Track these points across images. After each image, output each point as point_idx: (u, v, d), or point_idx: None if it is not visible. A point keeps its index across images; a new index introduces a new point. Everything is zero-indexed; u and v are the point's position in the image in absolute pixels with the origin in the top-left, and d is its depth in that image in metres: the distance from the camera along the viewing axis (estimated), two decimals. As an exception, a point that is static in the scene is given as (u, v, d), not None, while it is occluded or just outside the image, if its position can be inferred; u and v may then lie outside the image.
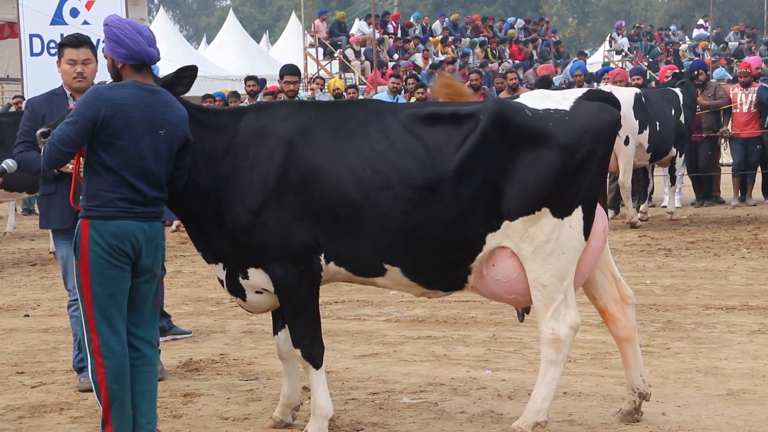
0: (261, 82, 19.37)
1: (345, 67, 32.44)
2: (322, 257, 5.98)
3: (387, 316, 9.96)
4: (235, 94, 20.80)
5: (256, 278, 6.09)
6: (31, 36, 14.85)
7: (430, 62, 31.33)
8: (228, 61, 38.53)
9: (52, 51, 14.82)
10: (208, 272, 12.97)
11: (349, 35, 33.77)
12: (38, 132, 5.76)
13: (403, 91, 24.48)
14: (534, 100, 6.11)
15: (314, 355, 6.15)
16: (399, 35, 34.54)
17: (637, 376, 6.38)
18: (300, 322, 6.09)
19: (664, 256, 13.12)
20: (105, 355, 5.57)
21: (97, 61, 7.47)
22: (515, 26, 38.40)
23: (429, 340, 8.89)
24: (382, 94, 21.17)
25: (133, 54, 5.62)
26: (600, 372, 7.62)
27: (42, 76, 15.40)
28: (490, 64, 32.61)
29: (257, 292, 6.16)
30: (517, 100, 6.13)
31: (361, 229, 5.88)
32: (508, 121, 5.89)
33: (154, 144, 5.58)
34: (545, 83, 19.91)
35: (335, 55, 33.00)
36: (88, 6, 15.20)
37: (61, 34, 14.95)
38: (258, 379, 7.73)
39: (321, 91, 22.67)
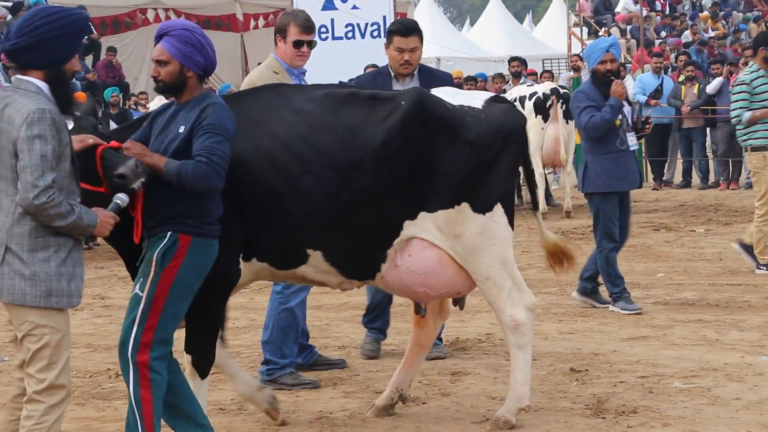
0: (523, 63, 19.29)
1: (610, 46, 31.81)
2: (241, 260, 5.84)
3: (655, 299, 9.74)
4: (499, 76, 20.81)
5: None
6: (303, 21, 15.35)
7: (699, 39, 30.35)
8: (491, 42, 38.54)
9: (323, 36, 15.24)
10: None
11: (615, 13, 33.12)
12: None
13: (670, 70, 23.85)
14: (446, 95, 6.12)
15: (204, 365, 5.84)
16: (666, 12, 33.62)
17: (407, 380, 6.53)
18: (200, 328, 5.78)
19: None
20: (156, 371, 5.38)
21: (422, 44, 7.58)
22: (792, -2, 36.65)
23: (700, 323, 8.64)
24: (647, 74, 20.70)
25: (209, 65, 5.49)
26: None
27: (314, 62, 15.84)
28: (764, 39, 31.23)
29: None
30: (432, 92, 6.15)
31: (284, 213, 5.78)
32: (429, 110, 5.93)
33: None
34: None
35: (600, 33, 32.46)
36: (358, -10, 15.57)
37: (332, 19, 15.43)
38: (524, 360, 7.71)
39: (585, 69, 22.34)
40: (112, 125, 19.97)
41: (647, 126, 9.57)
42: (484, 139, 5.99)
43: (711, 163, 19.84)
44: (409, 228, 5.95)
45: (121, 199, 5.18)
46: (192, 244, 5.36)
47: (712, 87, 19.32)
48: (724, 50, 28.87)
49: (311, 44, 7.22)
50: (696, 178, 19.72)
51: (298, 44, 7.16)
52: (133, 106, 20.84)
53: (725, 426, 6.04)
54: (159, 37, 5.49)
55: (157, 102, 18.43)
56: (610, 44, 9.37)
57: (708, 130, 20.00)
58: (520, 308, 6.09)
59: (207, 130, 5.31)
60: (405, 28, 7.51)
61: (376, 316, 8.01)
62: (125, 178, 5.16)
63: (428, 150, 5.92)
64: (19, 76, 4.89)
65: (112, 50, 23.75)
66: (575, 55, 24.99)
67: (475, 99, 6.22)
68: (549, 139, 15.83)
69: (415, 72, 7.57)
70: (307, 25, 7.19)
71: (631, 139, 9.30)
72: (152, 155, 5.34)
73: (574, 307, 9.51)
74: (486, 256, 6.02)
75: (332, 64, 15.75)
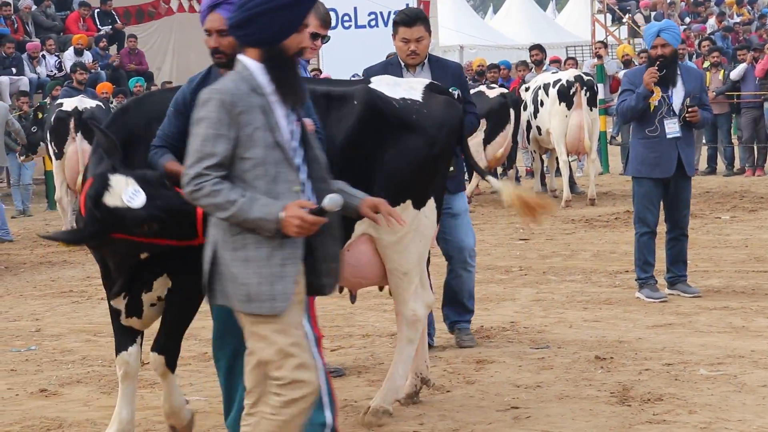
0: (543, 51, 19.17)
1: (634, 33, 31.70)
2: None
3: (681, 286, 9.69)
4: (523, 63, 20.74)
5: (159, 287, 5.73)
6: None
7: (724, 25, 30.16)
8: (514, 30, 38.42)
9: (347, 24, 15.23)
10: (496, 241, 13.06)
11: (639, -1, 32.98)
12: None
13: (695, 56, 23.73)
14: (386, 86, 6.09)
15: (175, 362, 5.95)
16: (691, -3, 33.43)
17: (422, 362, 6.50)
18: (181, 331, 5.90)
19: None
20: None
21: (429, 33, 7.56)
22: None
23: (726, 311, 8.60)
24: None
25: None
26: None
27: (337, 50, 15.83)
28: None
29: (152, 304, 5.80)
30: (371, 85, 6.09)
31: None
32: (380, 111, 5.91)
33: None
34: None
35: (624, 20, 32.32)
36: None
37: (355, 8, 15.42)
38: (549, 348, 7.70)
39: (608, 56, 22.25)
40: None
41: (690, 113, 9.25)
42: (429, 136, 6.05)
43: (736, 149, 19.72)
44: (360, 227, 5.99)
45: (334, 201, 4.36)
46: None
47: (736, 73, 19.20)
48: (749, 36, 28.67)
49: (325, 39, 7.23)
50: (721, 165, 19.62)
51: (314, 37, 7.16)
52: (158, 96, 20.86)
53: (752, 413, 6.01)
54: (212, 6, 5.15)
55: None
56: (659, 29, 9.20)
57: (733, 116, 19.87)
58: (421, 304, 6.20)
59: None
60: (409, 18, 7.46)
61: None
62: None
63: (380, 150, 5.96)
64: (238, 56, 4.50)
65: (132, 37, 23.83)
66: (599, 41, 24.92)
67: (415, 89, 6.20)
68: (573, 126, 15.77)
69: (425, 62, 7.55)
70: (326, 20, 7.20)
71: (671, 126, 9.09)
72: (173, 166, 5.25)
73: (598, 294, 9.49)
74: (412, 251, 6.11)
75: (356, 52, 15.75)
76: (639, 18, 31.55)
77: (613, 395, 6.46)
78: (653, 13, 31.40)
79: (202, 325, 8.98)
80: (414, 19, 7.45)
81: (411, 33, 7.41)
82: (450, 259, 7.81)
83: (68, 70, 21.01)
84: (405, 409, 6.38)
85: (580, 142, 15.65)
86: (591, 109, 15.92)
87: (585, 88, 15.76)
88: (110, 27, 24.01)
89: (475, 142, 14.45)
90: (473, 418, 6.19)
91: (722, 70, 19.48)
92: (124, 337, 5.92)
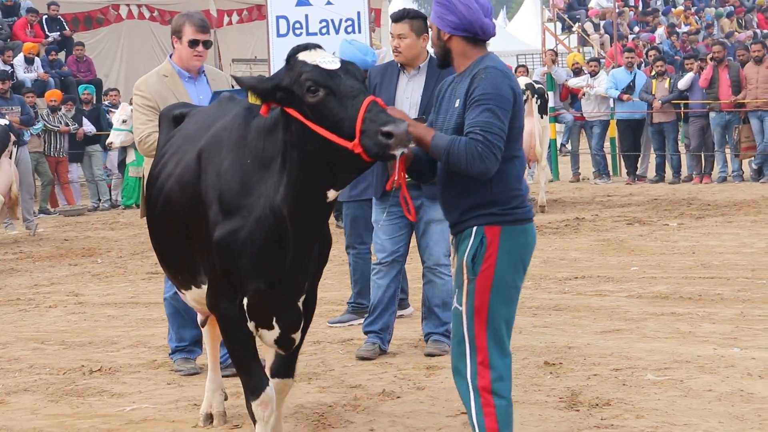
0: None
1: (584, 41, 31.98)
2: None
3: (629, 292, 9.78)
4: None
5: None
6: (277, 17, 15.30)
7: (670, 32, 30.50)
8: (465, 38, 38.50)
9: (297, 32, 15.23)
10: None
11: (588, 8, 33.24)
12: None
13: (643, 65, 23.96)
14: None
15: None
16: (640, 7, 33.76)
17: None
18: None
19: None
20: (498, 393, 4.66)
21: (421, 34, 7.44)
22: (764, -6, 36.87)
23: (673, 316, 8.68)
24: (620, 68, 20.77)
25: (465, 24, 4.73)
26: None
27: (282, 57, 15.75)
28: (736, 34, 31.44)
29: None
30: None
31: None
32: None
33: None
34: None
35: (574, 29, 32.57)
36: (333, -13, 15.55)
37: (306, 15, 15.40)
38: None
39: (556, 65, 22.39)
40: (86, 123, 19.95)
41: None
42: None
43: (683, 157, 19.94)
44: None
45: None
46: (503, 235, 4.61)
47: (683, 82, 19.42)
48: (697, 45, 29.01)
49: (207, 44, 7.28)
50: (669, 173, 19.83)
51: (193, 43, 7.22)
52: (106, 104, 20.76)
53: (698, 417, 6.08)
54: None
55: (123, 107, 18.38)
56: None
57: (680, 124, 20.10)
58: None
59: (479, 101, 4.54)
60: (396, 14, 7.56)
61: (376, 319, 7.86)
62: (391, 137, 4.34)
63: None
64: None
65: (80, 45, 23.66)
66: (549, 50, 25.07)
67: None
68: (524, 134, 15.86)
69: (423, 65, 7.55)
70: (202, 25, 7.27)
71: None
72: (417, 125, 4.63)
73: (548, 300, 9.55)
74: None
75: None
76: (589, 26, 31.81)
77: (562, 400, 6.50)
78: (602, 22, 31.70)
79: (151, 332, 8.96)
80: (401, 16, 7.52)
81: (395, 29, 7.49)
82: (423, 265, 7.83)
83: (18, 79, 20.85)
84: (355, 415, 6.39)
85: (531, 149, 15.74)
86: (542, 117, 16.04)
87: (536, 95, 15.85)
88: (59, 33, 23.81)
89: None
90: (423, 424, 6.20)
91: (668, 79, 19.70)
92: (258, 368, 5.27)
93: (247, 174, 4.92)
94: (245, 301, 5.07)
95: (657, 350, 7.63)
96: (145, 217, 6.08)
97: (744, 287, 9.67)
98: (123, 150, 19.31)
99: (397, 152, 4.37)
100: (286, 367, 5.46)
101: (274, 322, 5.14)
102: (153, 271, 11.80)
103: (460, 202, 4.64)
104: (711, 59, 19.35)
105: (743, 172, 19.48)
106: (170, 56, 7.35)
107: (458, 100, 4.63)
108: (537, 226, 15.28)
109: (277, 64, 18.67)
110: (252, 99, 4.68)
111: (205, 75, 7.36)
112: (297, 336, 5.25)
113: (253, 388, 5.17)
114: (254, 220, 4.89)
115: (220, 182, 5.01)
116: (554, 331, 8.36)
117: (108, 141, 18.42)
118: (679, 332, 8.15)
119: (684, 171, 19.73)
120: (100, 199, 20.12)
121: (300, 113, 4.57)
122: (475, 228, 4.61)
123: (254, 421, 5.25)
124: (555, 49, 26.18)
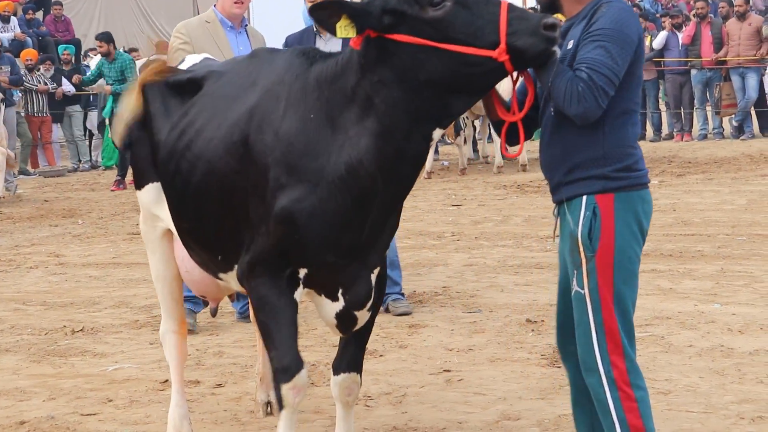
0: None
1: None
2: None
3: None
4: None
5: None
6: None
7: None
8: None
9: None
10: (429, 206, 13.12)
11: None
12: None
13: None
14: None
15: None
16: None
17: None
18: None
19: None
20: (637, 384, 4.08)
21: None
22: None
23: (654, 273, 8.71)
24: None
25: None
26: None
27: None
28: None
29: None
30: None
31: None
32: None
33: None
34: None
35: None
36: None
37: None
38: (481, 312, 7.76)
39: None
40: (65, 83, 19.82)
41: None
42: None
43: (663, 115, 19.95)
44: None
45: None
46: (617, 204, 4.03)
47: (657, 41, 19.41)
48: (678, 2, 28.93)
49: None
50: (650, 131, 19.84)
51: None
52: (86, 65, 20.63)
53: (678, 373, 6.11)
54: None
55: (95, 60, 18.18)
56: None
57: (660, 82, 20.11)
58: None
59: (594, 36, 3.94)
60: None
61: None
62: (555, 30, 3.79)
63: None
64: None
65: (58, 4, 23.46)
66: (531, 7, 25.02)
67: None
68: (503, 92, 15.82)
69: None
70: None
71: None
72: None
73: (530, 258, 9.57)
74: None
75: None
76: None
77: (544, 357, 6.53)
78: None
79: (133, 293, 8.95)
80: None
81: None
82: None
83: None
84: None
85: (511, 107, 15.71)
86: (522, 75, 15.99)
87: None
88: (36, -8, 23.60)
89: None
90: (406, 382, 6.22)
91: (649, 36, 19.68)
92: (295, 346, 4.46)
93: (312, 132, 4.21)
94: (303, 271, 4.39)
95: (638, 306, 7.48)
96: (139, 190, 5.18)
97: (724, 244, 9.71)
98: (103, 111, 19.21)
99: (558, 50, 3.88)
100: (353, 360, 4.72)
101: (339, 293, 4.45)
102: (134, 232, 11.77)
103: (566, 158, 4.06)
104: (694, 15, 19.33)
105: (723, 130, 19.53)
106: (215, 5, 7.26)
107: (571, 41, 4.03)
108: (519, 185, 15.31)
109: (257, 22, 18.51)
110: (343, 31, 3.96)
111: (246, 30, 7.28)
112: (361, 316, 4.50)
113: (286, 368, 4.36)
114: (326, 185, 4.16)
115: (279, 143, 4.25)
116: (536, 289, 8.38)
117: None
118: (660, 289, 8.19)
119: (665, 129, 19.75)
120: (80, 160, 20.04)
121: (413, 35, 3.93)
122: (585, 198, 4.02)
123: (280, 408, 4.44)
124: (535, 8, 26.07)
